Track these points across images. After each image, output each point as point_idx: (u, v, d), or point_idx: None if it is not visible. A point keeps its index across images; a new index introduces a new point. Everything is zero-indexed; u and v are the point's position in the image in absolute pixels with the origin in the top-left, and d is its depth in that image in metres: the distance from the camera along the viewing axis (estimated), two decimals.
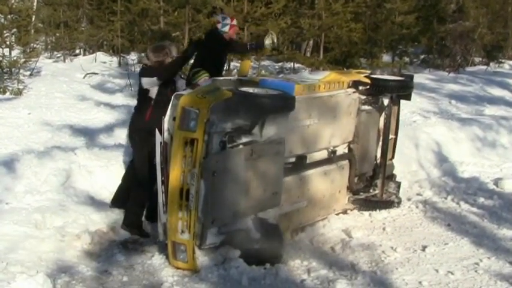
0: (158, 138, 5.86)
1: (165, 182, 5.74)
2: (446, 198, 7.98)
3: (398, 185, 7.88)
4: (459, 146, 9.99)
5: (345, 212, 7.35)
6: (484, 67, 21.38)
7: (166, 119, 5.76)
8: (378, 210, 7.43)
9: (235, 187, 5.69)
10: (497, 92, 16.30)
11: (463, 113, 13.00)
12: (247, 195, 5.81)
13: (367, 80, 7.22)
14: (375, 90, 7.27)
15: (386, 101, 7.57)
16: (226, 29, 8.44)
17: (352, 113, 7.16)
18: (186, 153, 5.45)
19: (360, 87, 7.19)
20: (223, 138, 5.59)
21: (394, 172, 8.02)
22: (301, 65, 19.38)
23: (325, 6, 18.53)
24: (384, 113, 7.57)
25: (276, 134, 6.00)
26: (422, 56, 22.69)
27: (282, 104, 5.80)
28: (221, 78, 6.28)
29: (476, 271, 5.64)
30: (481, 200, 7.88)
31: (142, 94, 6.69)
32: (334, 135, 6.96)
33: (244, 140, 5.74)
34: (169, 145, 5.71)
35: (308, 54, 21.76)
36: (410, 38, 20.68)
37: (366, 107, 7.37)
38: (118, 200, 7.03)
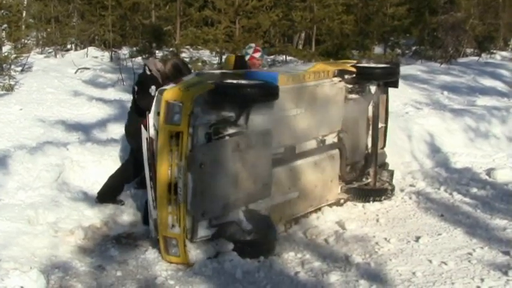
0: (144, 134, 5.85)
1: (153, 178, 5.74)
2: (439, 189, 7.98)
3: (391, 173, 7.89)
4: (452, 137, 10.00)
5: (338, 203, 7.34)
6: (476, 58, 21.43)
7: (151, 114, 5.76)
8: (371, 198, 7.44)
9: (223, 179, 5.68)
10: (489, 82, 16.34)
11: (455, 103, 13.03)
12: (237, 187, 5.80)
13: (353, 69, 7.23)
14: (360, 78, 7.27)
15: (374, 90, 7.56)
16: (247, 57, 8.45)
17: (339, 102, 7.16)
18: (172, 147, 5.45)
19: (346, 76, 7.20)
20: (209, 130, 5.57)
21: (386, 161, 8.02)
22: (293, 57, 19.39)
23: None
24: (372, 101, 7.56)
25: (262, 125, 5.97)
26: (414, 48, 22.77)
27: (265, 92, 5.78)
28: (206, 71, 6.27)
29: (469, 261, 5.65)
30: (474, 190, 7.89)
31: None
32: (322, 124, 6.96)
33: (230, 131, 5.72)
34: (155, 140, 5.70)
35: (300, 47, 21.79)
36: (402, 29, 20.75)
37: (353, 96, 7.36)
38: (106, 196, 7.02)
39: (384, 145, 7.98)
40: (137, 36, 21.01)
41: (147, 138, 5.83)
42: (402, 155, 9.02)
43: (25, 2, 21.76)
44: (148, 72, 6.67)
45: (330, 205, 7.22)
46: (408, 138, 9.53)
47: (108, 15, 20.52)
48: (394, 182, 7.89)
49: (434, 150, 9.51)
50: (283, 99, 6.07)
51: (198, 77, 5.93)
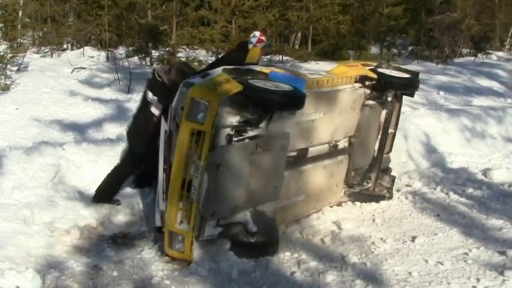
0: (163, 126, 5.81)
1: (167, 171, 5.72)
2: (435, 189, 7.98)
3: (393, 179, 7.81)
4: (448, 137, 9.99)
5: (338, 204, 7.33)
6: (472, 58, 21.46)
7: (173, 105, 5.67)
8: (368, 202, 7.43)
9: (238, 181, 5.66)
10: (485, 82, 16.37)
11: (451, 104, 13.04)
12: (249, 189, 5.79)
13: (374, 75, 7.10)
14: (380, 86, 7.14)
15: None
16: (250, 46, 8.39)
17: (357, 108, 7.06)
18: (192, 145, 5.35)
19: (367, 83, 7.08)
20: (230, 131, 5.53)
21: (390, 166, 7.97)
22: (289, 57, 19.37)
23: None
24: (386, 108, 7.47)
25: (282, 129, 5.95)
26: (410, 48, 22.77)
27: (292, 101, 5.69)
28: (231, 67, 6.11)
29: (465, 261, 5.65)
30: (470, 190, 7.89)
31: (146, 105, 6.66)
32: (337, 129, 6.89)
33: (250, 134, 5.67)
34: (174, 134, 5.64)
35: (296, 47, 21.79)
36: (398, 29, 20.76)
37: (370, 102, 7.26)
38: (102, 196, 7.01)
39: (390, 150, 7.93)
40: (133, 36, 20.98)
41: (166, 131, 5.79)
42: (398, 155, 8.99)
43: (21, 2, 21.72)
44: (159, 79, 6.61)
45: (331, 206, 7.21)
46: (404, 138, 9.51)
47: (104, 14, 20.47)
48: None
49: (431, 150, 9.50)
50: (306, 103, 5.96)
51: (225, 74, 5.73)
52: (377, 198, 7.50)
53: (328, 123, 6.70)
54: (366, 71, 7.19)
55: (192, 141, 5.34)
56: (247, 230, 5.85)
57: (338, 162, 7.10)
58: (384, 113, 7.48)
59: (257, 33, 8.48)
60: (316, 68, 7.00)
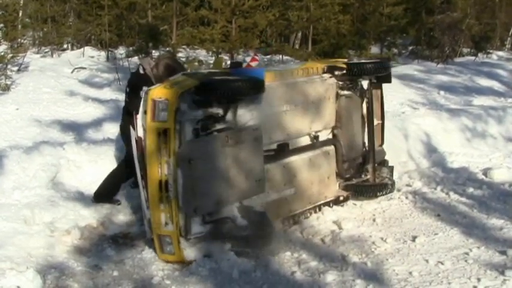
0: (133, 135, 5.85)
1: (145, 178, 5.74)
2: (435, 189, 7.98)
3: (391, 169, 7.87)
4: (448, 137, 10.00)
5: (337, 202, 7.29)
6: (473, 58, 21.43)
7: (140, 115, 5.75)
8: (371, 194, 7.42)
9: (214, 174, 5.70)
10: (485, 82, 16.36)
11: (451, 103, 13.04)
12: (228, 182, 5.82)
13: (343, 65, 7.25)
14: (351, 74, 7.26)
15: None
16: (244, 65, 8.55)
17: (331, 98, 7.17)
18: (161, 145, 5.46)
19: (336, 72, 7.22)
20: (196, 125, 5.62)
21: (386, 159, 7.99)
22: (289, 57, 19.35)
23: None
24: (365, 97, 7.56)
25: (252, 120, 6.02)
26: (410, 47, 22.71)
27: (250, 86, 5.78)
28: (192, 71, 6.30)
29: (466, 261, 5.65)
30: (471, 190, 7.89)
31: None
32: (313, 120, 6.97)
33: (218, 127, 5.76)
34: (144, 140, 5.70)
35: (297, 47, 21.77)
36: (399, 29, 20.70)
37: (345, 92, 7.35)
38: (102, 195, 7.00)
39: (382, 142, 7.95)
40: (133, 36, 20.94)
41: (136, 139, 5.83)
42: (399, 154, 9.00)
43: (21, 2, 21.68)
44: (141, 71, 6.62)
45: (331, 205, 7.19)
46: (405, 138, 9.53)
47: (104, 14, 20.41)
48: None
49: (431, 150, 9.51)
50: (272, 95, 6.14)
51: (184, 76, 5.96)
52: (380, 187, 7.49)
53: (302, 114, 6.80)
54: (333, 62, 7.38)
55: (160, 141, 5.44)
56: (236, 224, 5.86)
57: (324, 153, 7.15)
58: (365, 103, 7.55)
59: (251, 53, 8.66)
60: (284, 67, 7.09)
